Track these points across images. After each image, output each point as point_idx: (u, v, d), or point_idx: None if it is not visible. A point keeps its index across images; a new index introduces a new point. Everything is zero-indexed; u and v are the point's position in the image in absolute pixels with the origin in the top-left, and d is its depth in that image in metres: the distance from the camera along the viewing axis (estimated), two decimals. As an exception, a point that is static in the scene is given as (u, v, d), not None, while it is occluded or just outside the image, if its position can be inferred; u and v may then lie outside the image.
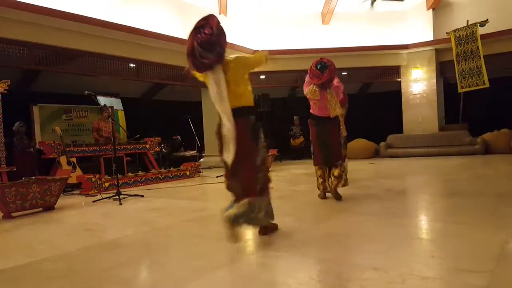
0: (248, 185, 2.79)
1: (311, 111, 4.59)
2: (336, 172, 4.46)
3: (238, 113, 2.73)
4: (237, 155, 2.68)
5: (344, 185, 4.63)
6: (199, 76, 2.92)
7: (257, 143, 2.87)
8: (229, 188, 2.89)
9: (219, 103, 2.70)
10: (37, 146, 7.50)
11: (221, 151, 2.80)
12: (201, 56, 2.64)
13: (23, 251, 3.08)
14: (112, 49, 8.37)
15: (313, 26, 11.52)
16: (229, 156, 2.69)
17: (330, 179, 4.52)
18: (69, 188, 6.74)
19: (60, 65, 7.72)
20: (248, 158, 2.79)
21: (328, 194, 4.64)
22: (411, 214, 3.86)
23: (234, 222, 2.64)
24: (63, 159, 6.89)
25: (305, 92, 4.45)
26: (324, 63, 4.33)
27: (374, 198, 4.58)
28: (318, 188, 4.67)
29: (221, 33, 2.70)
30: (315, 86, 4.35)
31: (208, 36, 2.63)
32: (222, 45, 2.69)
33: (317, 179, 4.66)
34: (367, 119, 11.84)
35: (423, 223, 3.47)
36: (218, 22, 2.71)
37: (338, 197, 4.51)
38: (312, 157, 4.67)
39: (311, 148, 4.68)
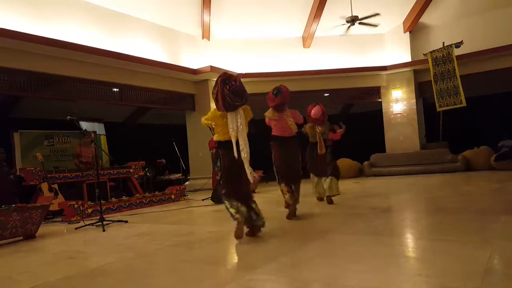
0: (249, 194, 3.92)
1: (273, 133, 5.01)
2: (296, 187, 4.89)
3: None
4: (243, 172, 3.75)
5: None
6: (215, 113, 3.88)
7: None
8: (229, 195, 3.82)
9: (238, 133, 3.68)
10: (18, 172, 7.34)
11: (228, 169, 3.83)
12: (231, 100, 3.63)
13: (1, 282, 2.97)
14: (95, 74, 8.36)
15: (295, 50, 11.77)
16: (247, 171, 3.71)
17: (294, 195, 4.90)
18: (50, 216, 6.57)
19: (42, 91, 7.66)
20: (245, 174, 3.76)
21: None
22: (397, 233, 3.88)
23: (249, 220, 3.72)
24: (44, 186, 6.74)
25: (265, 114, 4.97)
26: (279, 89, 4.85)
27: (360, 217, 4.60)
28: (287, 203, 4.99)
29: (243, 85, 3.77)
30: (271, 109, 4.92)
31: (237, 86, 3.67)
32: (246, 94, 3.77)
33: (285, 194, 4.96)
34: (350, 139, 11.98)
35: (409, 241, 3.49)
36: (240, 78, 3.78)
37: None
38: (277, 176, 5.02)
39: (274, 168, 5.02)
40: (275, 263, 2.87)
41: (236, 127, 3.66)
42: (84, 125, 10.25)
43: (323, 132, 5.75)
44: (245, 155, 3.66)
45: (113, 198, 7.25)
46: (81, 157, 7.88)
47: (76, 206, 6.20)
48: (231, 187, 3.83)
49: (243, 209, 3.70)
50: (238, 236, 3.63)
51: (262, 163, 10.56)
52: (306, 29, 11.43)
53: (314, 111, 5.80)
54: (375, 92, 12.27)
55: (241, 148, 3.66)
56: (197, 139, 10.57)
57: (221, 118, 3.81)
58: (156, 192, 8.11)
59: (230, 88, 3.62)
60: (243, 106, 3.78)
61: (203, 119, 4.12)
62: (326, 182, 5.76)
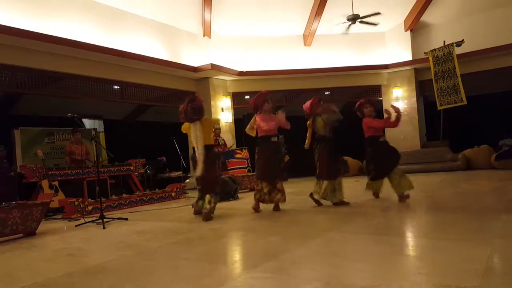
0: (211, 186, 5.10)
1: None
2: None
3: (206, 147, 5.10)
4: (204, 169, 5.07)
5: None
6: (188, 126, 5.24)
7: (215, 163, 5.20)
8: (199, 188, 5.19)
9: (197, 141, 5.05)
10: (18, 170, 7.34)
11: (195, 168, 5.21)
12: (192, 115, 5.04)
13: (2, 279, 2.98)
14: (96, 71, 8.36)
15: (296, 48, 11.75)
16: (199, 170, 5.07)
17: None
18: (51, 213, 6.57)
19: (42, 88, 7.66)
20: (210, 171, 5.09)
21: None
22: (397, 231, 3.88)
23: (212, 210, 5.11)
24: (45, 183, 6.75)
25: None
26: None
27: (360, 216, 4.60)
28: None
29: (203, 106, 5.19)
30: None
31: (198, 106, 5.08)
32: (203, 112, 5.19)
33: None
34: (351, 137, 11.98)
35: (409, 239, 3.49)
36: (202, 101, 5.25)
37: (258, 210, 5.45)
38: None
39: None
40: (275, 261, 2.87)
41: (196, 136, 5.00)
42: (85, 122, 10.25)
43: (316, 126, 5.60)
44: (200, 155, 5.04)
45: (113, 196, 7.26)
46: (74, 154, 7.87)
47: (76, 203, 6.20)
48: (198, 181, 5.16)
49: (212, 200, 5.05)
50: (207, 219, 4.96)
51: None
52: (307, 27, 11.41)
53: (304, 104, 5.80)
54: (376, 90, 12.26)
55: (200, 151, 5.03)
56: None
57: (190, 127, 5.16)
58: (157, 190, 8.12)
59: (192, 106, 5.00)
60: (204, 118, 5.14)
61: (183, 127, 5.41)
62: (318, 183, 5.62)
